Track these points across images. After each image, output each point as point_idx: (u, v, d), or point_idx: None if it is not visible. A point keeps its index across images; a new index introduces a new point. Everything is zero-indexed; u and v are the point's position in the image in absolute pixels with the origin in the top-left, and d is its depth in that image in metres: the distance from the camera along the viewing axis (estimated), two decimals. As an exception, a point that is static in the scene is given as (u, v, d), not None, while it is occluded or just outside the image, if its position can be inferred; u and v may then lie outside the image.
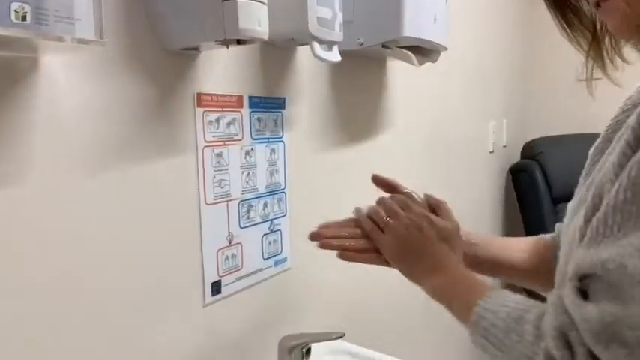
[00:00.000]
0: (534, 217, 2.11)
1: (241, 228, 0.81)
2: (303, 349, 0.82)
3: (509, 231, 2.40)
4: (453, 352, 1.62)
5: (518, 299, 0.53)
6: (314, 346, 0.85)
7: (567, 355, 0.43)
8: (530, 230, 2.16)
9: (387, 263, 0.67)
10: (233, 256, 0.80)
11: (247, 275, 0.83)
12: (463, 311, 0.55)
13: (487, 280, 0.61)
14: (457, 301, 0.58)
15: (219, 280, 0.78)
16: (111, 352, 0.63)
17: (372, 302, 1.24)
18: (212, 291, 0.77)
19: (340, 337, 0.79)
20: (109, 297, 0.62)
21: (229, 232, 0.79)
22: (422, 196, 0.70)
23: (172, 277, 0.70)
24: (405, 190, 0.70)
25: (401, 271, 0.66)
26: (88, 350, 0.60)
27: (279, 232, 0.89)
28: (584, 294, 0.44)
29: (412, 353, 1.42)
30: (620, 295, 0.40)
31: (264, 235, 0.86)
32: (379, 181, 0.72)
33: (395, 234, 0.64)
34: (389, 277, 1.32)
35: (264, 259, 0.87)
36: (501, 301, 0.53)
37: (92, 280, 0.60)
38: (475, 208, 1.98)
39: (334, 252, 1.06)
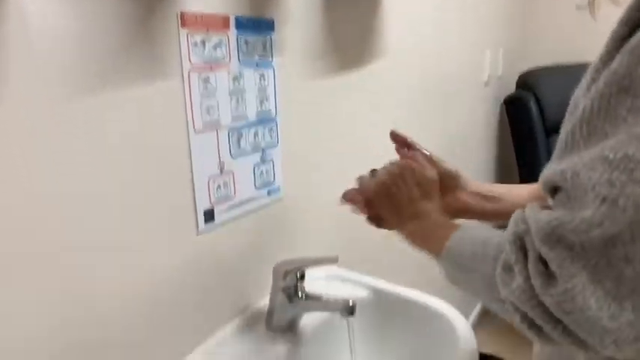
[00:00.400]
0: (527, 148, 2.10)
1: (232, 157, 0.80)
2: (298, 274, 0.83)
3: (501, 162, 2.41)
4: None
5: (488, 229, 0.53)
6: (308, 273, 0.86)
7: (520, 258, 0.43)
8: (522, 162, 2.17)
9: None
10: (225, 184, 0.79)
11: (240, 204, 0.83)
12: (436, 248, 0.57)
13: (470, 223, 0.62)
14: (431, 241, 0.60)
15: (212, 209, 0.77)
16: (103, 277, 0.63)
17: (365, 230, 1.25)
18: (205, 219, 0.76)
19: (334, 261, 0.80)
20: (94, 227, 0.61)
21: (220, 161, 0.77)
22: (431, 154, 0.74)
23: (164, 205, 0.69)
24: (419, 149, 0.75)
25: (383, 217, 0.71)
26: (74, 277, 0.60)
27: (271, 162, 0.88)
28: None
29: (405, 278, 1.45)
30: (571, 202, 0.40)
31: (256, 164, 0.85)
32: (396, 138, 0.77)
33: (377, 180, 0.71)
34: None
35: (257, 189, 0.86)
36: (471, 233, 0.55)
37: (73, 210, 0.59)
38: (469, 139, 1.97)
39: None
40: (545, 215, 0.41)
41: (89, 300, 0.61)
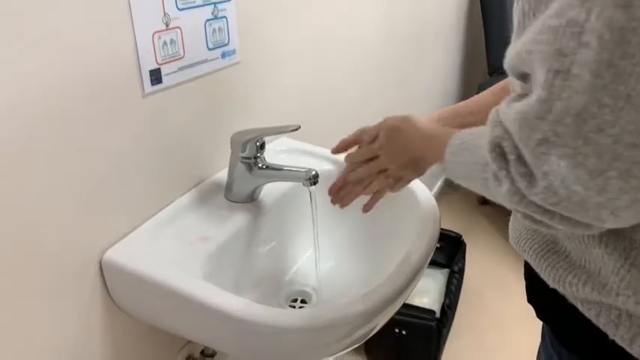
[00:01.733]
0: (495, 23, 2.02)
1: (179, 9, 0.70)
2: (257, 144, 0.78)
3: (470, 41, 2.34)
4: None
5: (477, 133, 0.51)
6: (267, 147, 0.81)
7: (503, 165, 0.42)
8: (489, 32, 2.10)
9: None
10: (172, 41, 0.70)
11: (191, 66, 0.74)
12: (438, 158, 0.56)
13: None
14: (433, 155, 0.59)
15: (159, 69, 0.69)
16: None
17: (326, 100, 1.20)
18: (151, 80, 0.68)
19: (296, 129, 0.75)
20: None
21: (165, 13, 0.68)
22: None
23: (101, 63, 0.61)
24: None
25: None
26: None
27: (224, 19, 0.79)
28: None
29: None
30: (533, 84, 0.38)
31: (208, 20, 0.76)
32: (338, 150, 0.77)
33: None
34: (351, 71, 1.26)
35: (210, 50, 0.77)
36: (469, 132, 0.53)
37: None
38: (441, 28, 1.87)
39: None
40: (512, 110, 0.39)
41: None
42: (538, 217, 0.42)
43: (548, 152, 0.37)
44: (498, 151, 0.42)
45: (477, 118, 0.70)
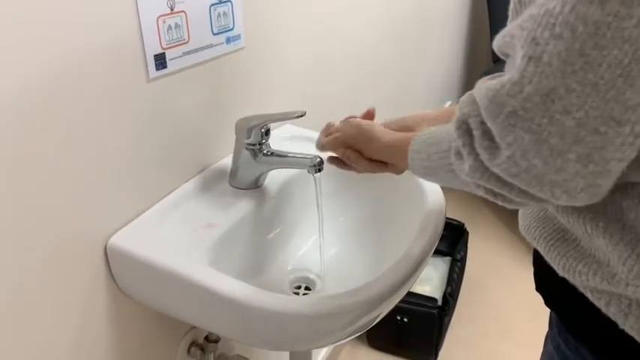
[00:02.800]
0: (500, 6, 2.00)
1: (184, -7, 0.69)
2: (262, 130, 0.77)
3: (475, 28, 2.32)
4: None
5: (439, 128, 0.55)
6: (272, 133, 0.81)
7: (467, 140, 0.44)
8: (493, 19, 2.07)
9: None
10: (177, 26, 0.69)
11: (196, 51, 0.74)
12: (404, 163, 0.59)
13: None
14: (397, 158, 0.62)
15: (164, 53, 0.68)
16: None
17: (331, 86, 1.19)
18: (156, 65, 0.68)
19: (301, 115, 0.74)
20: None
21: (170, -3, 0.67)
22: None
23: (105, 47, 0.60)
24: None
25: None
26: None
27: (229, 3, 0.78)
28: None
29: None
30: (508, 65, 0.40)
31: (213, 5, 0.75)
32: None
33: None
34: (354, 58, 1.25)
35: (214, 34, 0.77)
36: (423, 138, 0.56)
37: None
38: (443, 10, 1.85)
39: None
40: (484, 87, 0.41)
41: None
42: (497, 189, 0.44)
43: (515, 124, 0.39)
44: (464, 127, 0.44)
45: (440, 123, 0.71)
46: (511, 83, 0.38)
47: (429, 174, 0.56)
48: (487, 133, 0.42)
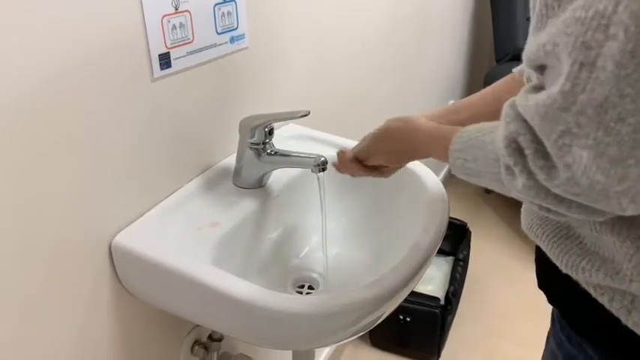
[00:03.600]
0: (504, 6, 2.00)
1: (188, -8, 0.69)
2: (266, 130, 0.78)
3: (477, 28, 2.32)
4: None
5: (484, 130, 0.51)
6: (276, 132, 0.81)
7: (518, 160, 0.42)
8: (497, 19, 2.07)
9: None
10: (181, 25, 0.70)
11: (200, 50, 0.74)
12: (445, 151, 0.56)
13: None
14: (436, 152, 0.60)
15: (168, 53, 0.69)
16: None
17: (334, 86, 1.19)
18: (161, 64, 0.68)
19: (305, 115, 0.74)
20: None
21: (174, -4, 0.67)
22: None
23: (110, 46, 0.60)
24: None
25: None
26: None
27: (233, 2, 0.78)
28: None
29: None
30: (555, 76, 0.38)
31: (217, 4, 0.75)
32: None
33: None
34: (355, 58, 1.25)
35: (219, 34, 0.77)
36: (475, 128, 0.53)
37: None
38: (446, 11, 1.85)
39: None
40: (532, 101, 0.39)
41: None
42: (554, 208, 0.43)
43: (570, 144, 0.38)
44: (514, 146, 0.42)
45: (462, 116, 0.71)
46: (562, 95, 0.37)
47: (473, 175, 0.53)
48: (540, 152, 0.40)
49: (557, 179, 0.40)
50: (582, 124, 0.37)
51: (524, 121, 0.41)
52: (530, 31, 0.43)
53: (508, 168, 0.44)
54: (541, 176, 0.41)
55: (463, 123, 0.60)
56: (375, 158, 0.70)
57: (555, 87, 0.38)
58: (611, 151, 0.37)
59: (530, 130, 0.41)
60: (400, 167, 0.72)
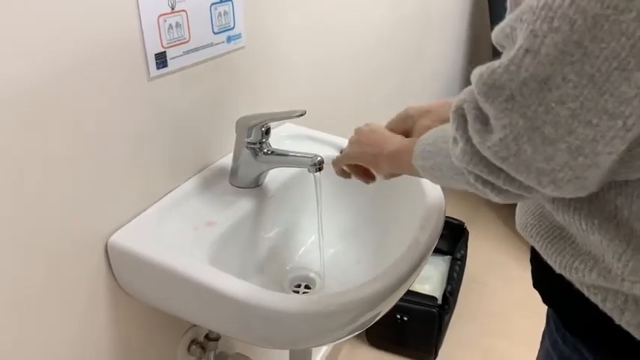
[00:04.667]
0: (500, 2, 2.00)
1: (185, -8, 0.69)
2: (263, 129, 0.78)
3: (476, 28, 2.32)
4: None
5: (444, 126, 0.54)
6: (273, 132, 0.81)
7: (461, 124, 0.44)
8: (494, 14, 2.07)
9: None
10: (178, 25, 0.70)
11: (196, 49, 0.74)
12: (410, 168, 0.59)
13: None
14: (404, 165, 0.62)
15: (164, 52, 0.69)
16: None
17: (331, 86, 1.19)
18: (157, 64, 0.68)
19: (302, 114, 0.74)
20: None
21: (170, -4, 0.67)
22: None
23: (106, 46, 0.60)
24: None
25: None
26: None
27: (230, 2, 0.78)
28: None
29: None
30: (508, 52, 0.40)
31: (213, 4, 0.75)
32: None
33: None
34: (354, 58, 1.26)
35: (215, 34, 0.77)
36: (428, 135, 0.57)
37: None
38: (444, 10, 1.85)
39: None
40: (481, 70, 0.41)
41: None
42: (485, 176, 0.45)
43: (511, 108, 0.39)
44: (460, 112, 0.45)
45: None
46: (508, 72, 0.39)
47: (428, 157, 0.56)
48: (480, 117, 0.43)
49: (489, 141, 0.42)
50: (525, 94, 0.38)
51: (472, 90, 0.43)
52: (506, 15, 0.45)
53: (454, 138, 0.47)
54: (476, 139, 0.43)
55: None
56: (352, 158, 0.73)
57: (504, 60, 0.39)
58: (546, 129, 0.38)
59: (475, 96, 0.43)
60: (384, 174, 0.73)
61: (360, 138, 0.72)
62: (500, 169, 0.43)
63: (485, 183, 0.46)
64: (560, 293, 0.54)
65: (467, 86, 0.45)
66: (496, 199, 0.48)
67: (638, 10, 0.34)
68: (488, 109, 0.41)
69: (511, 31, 0.40)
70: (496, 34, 0.44)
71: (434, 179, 0.58)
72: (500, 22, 0.43)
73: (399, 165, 0.65)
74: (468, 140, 0.44)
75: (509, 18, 0.41)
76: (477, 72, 0.42)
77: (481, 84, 0.41)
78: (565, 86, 0.37)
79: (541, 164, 0.40)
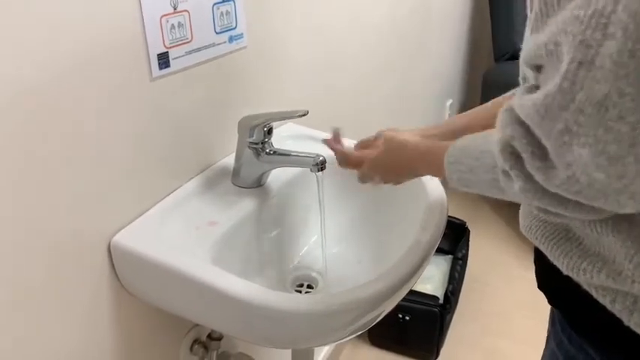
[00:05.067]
0: (502, 5, 2.00)
1: (187, -8, 0.69)
2: (265, 129, 0.78)
3: (476, 27, 2.32)
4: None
5: (478, 138, 0.52)
6: (275, 132, 0.81)
7: (514, 164, 0.42)
8: (495, 18, 2.07)
9: None
10: (180, 25, 0.70)
11: (198, 50, 0.74)
12: (437, 173, 0.58)
13: None
14: (431, 169, 0.62)
15: (167, 52, 0.69)
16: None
17: (333, 86, 1.19)
18: (159, 64, 0.68)
19: (304, 114, 0.74)
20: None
21: (173, -4, 0.67)
22: None
23: (109, 46, 0.60)
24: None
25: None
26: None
27: (232, 2, 0.78)
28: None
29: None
30: (551, 75, 0.38)
31: (215, 4, 0.75)
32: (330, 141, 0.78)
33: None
34: (355, 57, 1.26)
35: (217, 33, 0.77)
36: (468, 139, 0.54)
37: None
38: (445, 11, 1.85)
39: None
40: (528, 99, 0.39)
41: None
42: (552, 209, 0.43)
43: (570, 142, 0.37)
44: (510, 150, 0.43)
45: (457, 126, 0.72)
46: (561, 93, 0.37)
47: (470, 186, 0.54)
48: (537, 154, 0.41)
49: (556, 179, 0.40)
50: (581, 123, 0.37)
51: (520, 123, 0.41)
52: (528, 29, 0.43)
53: (505, 173, 0.45)
54: (539, 177, 0.41)
55: (457, 132, 0.61)
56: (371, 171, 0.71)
57: (553, 85, 0.37)
58: (611, 149, 0.37)
59: (526, 132, 0.41)
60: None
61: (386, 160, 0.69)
62: (570, 200, 0.41)
63: (551, 213, 0.45)
64: (567, 294, 0.54)
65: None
66: (559, 221, 0.47)
67: None
68: (547, 144, 0.39)
69: (555, 47, 0.38)
70: (531, 52, 0.41)
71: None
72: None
73: (428, 162, 0.63)
74: (528, 178, 0.42)
75: (550, 32, 0.39)
76: (527, 105, 0.40)
77: (536, 115, 0.39)
78: (622, 101, 0.35)
79: (616, 184, 0.38)
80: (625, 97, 0.35)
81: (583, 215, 0.42)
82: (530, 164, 0.41)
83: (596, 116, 0.36)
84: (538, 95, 0.39)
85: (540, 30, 0.40)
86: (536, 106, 0.39)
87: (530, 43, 0.42)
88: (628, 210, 0.40)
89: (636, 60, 0.34)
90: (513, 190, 0.44)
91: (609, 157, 0.37)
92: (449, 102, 2.23)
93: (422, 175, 0.67)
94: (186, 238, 0.70)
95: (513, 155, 0.42)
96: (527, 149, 0.41)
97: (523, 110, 0.40)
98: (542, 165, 0.40)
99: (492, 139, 0.46)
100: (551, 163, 0.40)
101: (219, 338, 0.88)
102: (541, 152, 0.40)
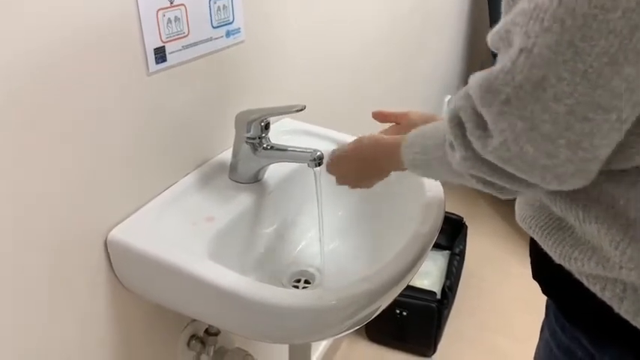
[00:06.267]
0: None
1: (184, -14, 0.69)
2: (262, 124, 0.77)
3: (475, 24, 2.31)
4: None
5: (433, 124, 0.58)
6: (272, 127, 0.81)
7: (458, 132, 0.45)
8: (493, 13, 2.07)
9: None
10: (177, 19, 0.69)
11: (195, 44, 0.73)
12: (397, 163, 0.61)
13: None
14: (392, 162, 0.64)
15: (164, 47, 0.68)
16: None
17: (330, 80, 1.19)
18: (156, 59, 0.68)
19: (301, 109, 0.74)
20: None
21: (169, -10, 0.67)
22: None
23: (105, 40, 0.60)
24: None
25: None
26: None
27: (229, -4, 0.77)
28: None
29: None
30: (503, 55, 0.41)
31: (212, -2, 0.74)
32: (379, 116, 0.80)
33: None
34: (354, 53, 1.25)
35: (214, 28, 0.76)
36: (426, 125, 0.59)
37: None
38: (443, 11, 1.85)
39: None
40: (478, 76, 0.43)
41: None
42: (488, 177, 0.46)
43: (509, 112, 0.41)
44: (456, 120, 0.46)
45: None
46: (503, 73, 0.40)
47: (423, 166, 0.58)
48: (479, 123, 0.44)
49: (490, 145, 0.43)
50: (521, 97, 0.40)
51: (468, 97, 0.44)
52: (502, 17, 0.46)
53: (450, 145, 0.48)
54: (477, 144, 0.44)
55: None
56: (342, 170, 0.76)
57: (498, 65, 0.41)
58: (545, 127, 0.40)
59: (472, 103, 0.44)
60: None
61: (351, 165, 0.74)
62: (503, 170, 0.44)
63: (487, 183, 0.48)
64: (559, 283, 0.55)
65: (464, 83, 0.46)
66: (500, 195, 0.49)
67: (624, 9, 0.36)
68: (486, 114, 0.42)
69: (506, 34, 0.42)
70: (491, 37, 0.45)
71: (430, 178, 0.62)
72: (495, 25, 0.44)
73: (390, 166, 0.68)
74: (468, 146, 0.45)
75: (504, 21, 0.43)
76: (474, 78, 0.44)
77: (478, 89, 0.42)
78: (559, 84, 0.38)
79: (544, 161, 0.41)
80: (562, 81, 0.38)
81: (516, 187, 0.45)
82: (471, 132, 0.44)
83: (534, 93, 0.39)
84: (486, 73, 0.42)
85: (505, 17, 0.44)
86: (482, 79, 0.42)
87: (492, 30, 0.45)
88: (552, 187, 0.43)
89: (573, 49, 0.37)
90: (455, 159, 0.48)
91: (542, 134, 0.40)
92: (447, 98, 2.23)
93: (387, 171, 0.70)
94: (183, 233, 0.69)
95: (459, 125, 0.46)
96: (471, 118, 0.44)
97: (471, 85, 0.44)
98: (482, 134, 0.44)
99: (445, 121, 0.49)
100: (489, 132, 0.43)
101: (217, 333, 0.88)
102: (482, 121, 0.43)
